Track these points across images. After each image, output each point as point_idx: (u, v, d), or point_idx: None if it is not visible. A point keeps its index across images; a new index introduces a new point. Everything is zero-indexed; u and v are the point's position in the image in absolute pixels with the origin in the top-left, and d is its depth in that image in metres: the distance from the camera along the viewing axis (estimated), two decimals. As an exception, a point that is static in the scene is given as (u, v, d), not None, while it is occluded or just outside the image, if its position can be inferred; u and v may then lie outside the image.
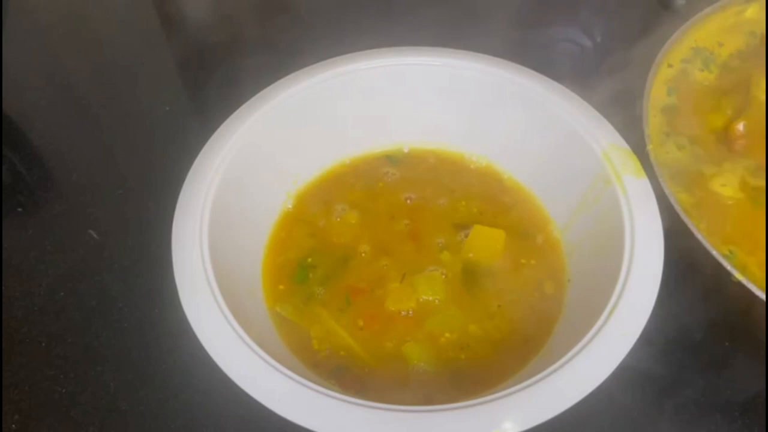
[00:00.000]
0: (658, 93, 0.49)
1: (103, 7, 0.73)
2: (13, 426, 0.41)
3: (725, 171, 0.44)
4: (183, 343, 0.40)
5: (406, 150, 0.51)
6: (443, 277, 0.43)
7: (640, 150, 0.43)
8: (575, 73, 0.61)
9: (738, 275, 0.36)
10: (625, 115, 0.45)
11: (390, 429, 0.31)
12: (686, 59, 0.51)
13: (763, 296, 0.36)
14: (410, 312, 0.42)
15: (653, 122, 0.46)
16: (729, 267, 0.37)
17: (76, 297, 0.47)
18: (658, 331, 0.37)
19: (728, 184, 0.44)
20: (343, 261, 0.45)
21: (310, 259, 0.45)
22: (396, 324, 0.41)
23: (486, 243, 0.44)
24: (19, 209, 0.53)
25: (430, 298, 0.42)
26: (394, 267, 0.44)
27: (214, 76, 0.63)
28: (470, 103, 0.49)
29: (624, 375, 0.32)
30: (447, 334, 0.41)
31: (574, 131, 0.44)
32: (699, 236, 0.38)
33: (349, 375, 0.39)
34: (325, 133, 0.49)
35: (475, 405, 0.31)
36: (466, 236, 0.45)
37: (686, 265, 0.40)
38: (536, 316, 0.41)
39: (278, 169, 0.47)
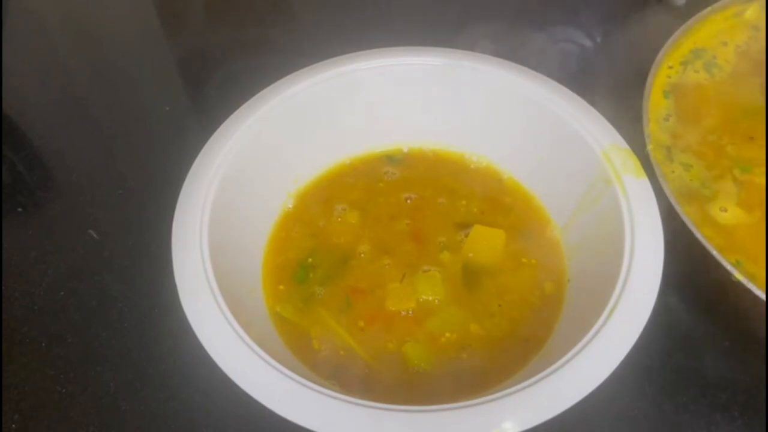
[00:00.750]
0: (657, 94, 0.49)
1: (103, 7, 0.73)
2: (13, 426, 0.40)
3: (724, 191, 0.44)
4: (183, 343, 0.40)
5: (406, 150, 0.51)
6: (443, 276, 0.43)
7: (640, 150, 0.43)
8: (575, 73, 0.61)
9: (738, 275, 0.36)
10: (625, 115, 0.45)
11: (390, 429, 0.31)
12: (685, 61, 0.51)
13: (763, 296, 0.36)
14: (410, 312, 0.42)
15: (653, 127, 0.46)
16: (729, 267, 0.37)
17: (76, 297, 0.47)
18: (658, 331, 0.37)
19: (729, 208, 0.43)
20: (343, 261, 0.44)
21: (310, 259, 0.45)
22: (396, 324, 0.41)
23: (486, 243, 0.44)
24: (19, 209, 0.53)
25: (430, 298, 0.42)
26: (394, 267, 0.44)
27: (214, 76, 0.63)
28: (470, 103, 0.49)
29: (624, 375, 0.32)
30: (447, 334, 0.41)
31: (574, 131, 0.44)
32: (699, 236, 0.38)
33: (349, 375, 0.39)
34: (325, 132, 0.49)
35: (475, 405, 0.31)
36: (467, 236, 0.45)
37: (686, 264, 0.40)
38: (536, 315, 0.41)
39: (278, 169, 0.47)
